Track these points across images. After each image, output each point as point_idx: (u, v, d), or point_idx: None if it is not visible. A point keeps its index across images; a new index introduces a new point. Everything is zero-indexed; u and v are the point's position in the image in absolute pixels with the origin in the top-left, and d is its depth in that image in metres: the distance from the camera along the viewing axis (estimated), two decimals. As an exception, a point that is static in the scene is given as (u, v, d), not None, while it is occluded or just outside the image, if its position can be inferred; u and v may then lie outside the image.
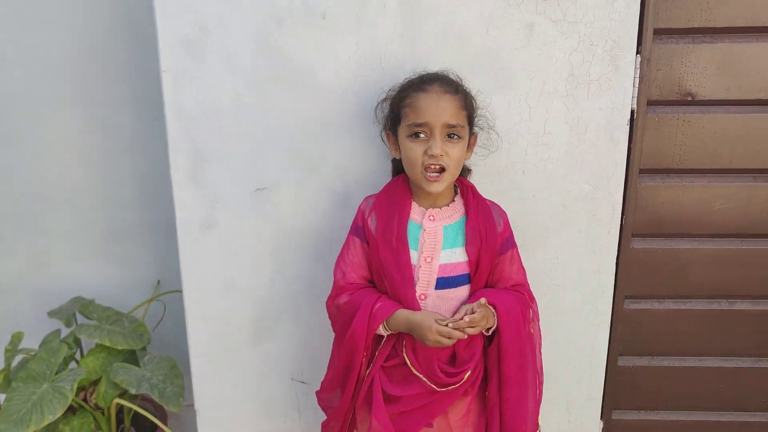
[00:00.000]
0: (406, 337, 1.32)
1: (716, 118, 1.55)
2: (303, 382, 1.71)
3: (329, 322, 1.45)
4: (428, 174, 1.27)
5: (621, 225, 1.58)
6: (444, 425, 1.37)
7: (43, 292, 2.11)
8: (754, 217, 1.61)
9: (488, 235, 1.32)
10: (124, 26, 1.92)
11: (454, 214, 1.35)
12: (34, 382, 1.65)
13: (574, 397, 1.72)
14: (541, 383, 1.43)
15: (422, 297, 1.31)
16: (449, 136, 1.27)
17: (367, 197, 1.41)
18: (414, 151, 1.27)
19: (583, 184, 1.54)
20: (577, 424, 1.75)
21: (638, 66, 1.47)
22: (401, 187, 1.36)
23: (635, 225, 1.61)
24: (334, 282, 1.39)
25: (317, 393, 1.47)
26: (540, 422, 1.44)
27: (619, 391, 1.76)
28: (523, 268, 1.42)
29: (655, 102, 1.54)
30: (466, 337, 1.26)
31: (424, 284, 1.31)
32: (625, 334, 1.70)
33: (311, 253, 1.60)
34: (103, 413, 1.83)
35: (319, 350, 1.65)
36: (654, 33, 1.47)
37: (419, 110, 1.26)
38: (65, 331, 1.91)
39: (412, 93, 1.28)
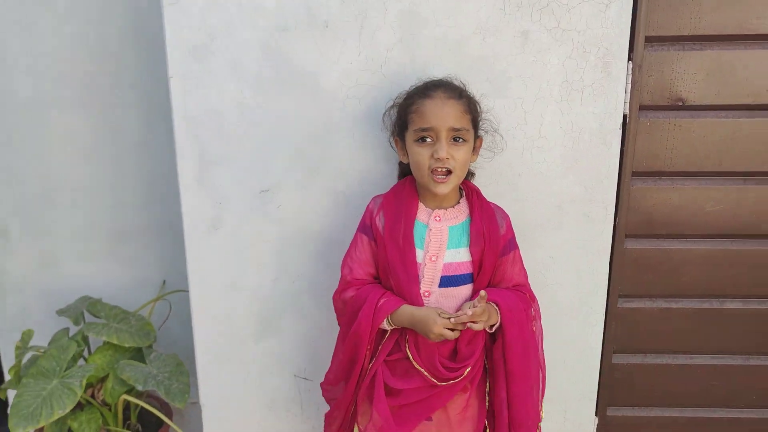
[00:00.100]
0: (408, 333, 1.35)
1: (706, 122, 1.57)
2: (306, 379, 1.73)
3: (331, 320, 1.48)
4: (435, 176, 1.30)
5: (614, 226, 1.61)
6: (443, 419, 1.39)
7: (51, 291, 2.13)
8: (743, 218, 1.64)
9: (491, 237, 1.35)
10: (133, 33, 1.94)
11: (459, 215, 1.38)
12: (44, 378, 1.67)
13: (569, 394, 1.74)
14: (544, 377, 1.47)
15: (426, 294, 1.34)
16: (454, 139, 1.30)
17: (375, 197, 1.44)
18: (421, 155, 1.30)
19: (577, 187, 1.56)
20: (573, 421, 1.77)
21: (630, 72, 1.50)
22: (408, 189, 1.39)
23: (628, 226, 1.64)
24: (341, 277, 1.42)
25: (321, 384, 1.51)
26: (542, 414, 1.48)
27: (613, 388, 1.78)
28: (524, 269, 1.45)
29: (646, 107, 1.56)
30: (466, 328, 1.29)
31: (428, 282, 1.35)
32: (619, 333, 1.73)
33: (314, 252, 1.62)
34: (110, 409, 1.85)
35: (321, 348, 1.67)
36: (645, 40, 1.50)
37: (425, 116, 1.29)
38: (73, 330, 1.93)
39: (417, 99, 1.32)
